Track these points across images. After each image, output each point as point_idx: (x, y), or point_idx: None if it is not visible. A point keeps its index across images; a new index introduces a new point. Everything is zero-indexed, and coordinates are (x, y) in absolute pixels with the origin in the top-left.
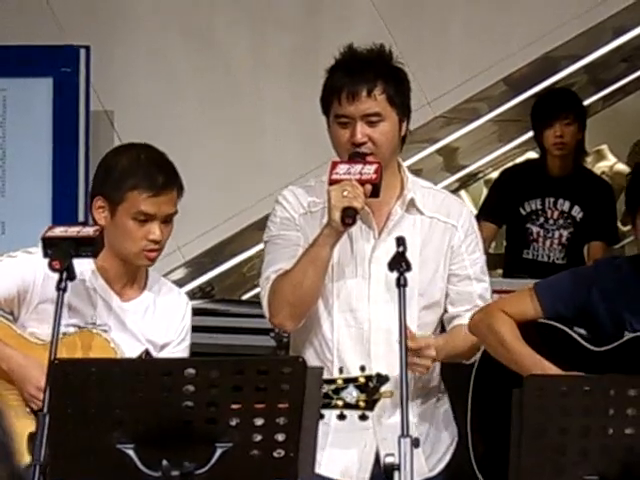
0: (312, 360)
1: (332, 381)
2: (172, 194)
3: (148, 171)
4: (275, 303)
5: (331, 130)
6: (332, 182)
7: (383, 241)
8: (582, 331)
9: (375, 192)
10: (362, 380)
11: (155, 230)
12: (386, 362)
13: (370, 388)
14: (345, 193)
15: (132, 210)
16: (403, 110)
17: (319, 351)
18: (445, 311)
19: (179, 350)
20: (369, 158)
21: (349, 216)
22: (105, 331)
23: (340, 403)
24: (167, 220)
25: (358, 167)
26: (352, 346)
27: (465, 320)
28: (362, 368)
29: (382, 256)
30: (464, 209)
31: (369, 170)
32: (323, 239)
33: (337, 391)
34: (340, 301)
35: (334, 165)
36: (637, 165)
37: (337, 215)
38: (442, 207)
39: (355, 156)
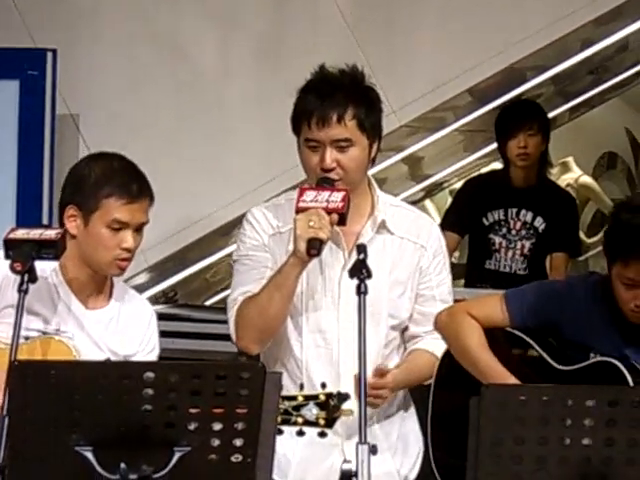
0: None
1: (293, 398)
2: (145, 202)
3: (123, 179)
4: (241, 327)
5: (301, 152)
6: (299, 210)
7: (352, 261)
8: (550, 340)
9: (342, 221)
10: (323, 398)
11: (128, 238)
12: (355, 383)
13: (331, 406)
14: (311, 223)
15: (106, 218)
16: (374, 133)
17: (289, 370)
18: (406, 329)
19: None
20: (337, 184)
21: (314, 247)
22: (69, 338)
23: (300, 420)
24: (139, 229)
25: (325, 194)
26: (321, 366)
27: (424, 344)
28: (323, 385)
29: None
30: (434, 229)
31: (336, 198)
32: (289, 268)
33: (297, 408)
34: (309, 322)
35: (302, 192)
36: (617, 211)
37: (302, 246)
38: (412, 227)
39: (324, 182)
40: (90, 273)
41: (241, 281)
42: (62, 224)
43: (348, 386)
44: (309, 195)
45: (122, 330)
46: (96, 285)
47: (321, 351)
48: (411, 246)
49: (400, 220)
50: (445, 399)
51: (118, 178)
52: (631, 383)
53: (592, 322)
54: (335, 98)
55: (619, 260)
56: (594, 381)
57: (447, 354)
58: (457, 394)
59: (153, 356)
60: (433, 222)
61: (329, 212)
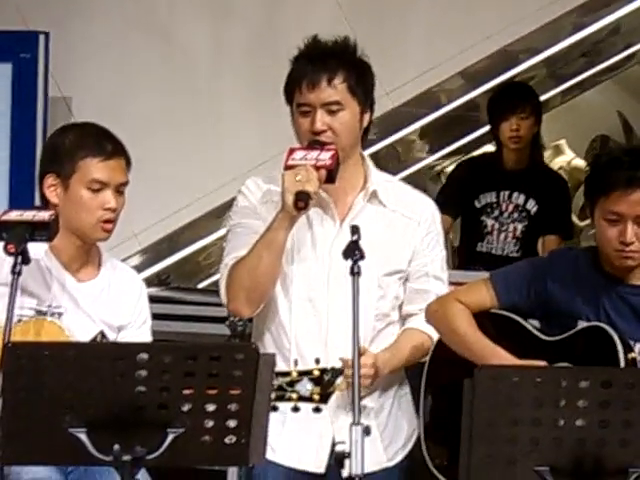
0: (270, 347)
1: (287, 374)
2: (121, 161)
3: (96, 140)
4: (231, 288)
5: (294, 119)
6: (287, 167)
7: (344, 231)
8: (535, 323)
9: (330, 178)
10: (317, 373)
11: (110, 198)
12: (343, 351)
13: (325, 381)
14: (298, 177)
15: (85, 179)
16: (365, 101)
17: (276, 339)
18: (401, 308)
19: (142, 332)
20: (327, 146)
21: (301, 200)
22: (60, 314)
23: (294, 396)
24: (119, 190)
25: (314, 153)
26: (310, 334)
27: (418, 323)
28: (317, 361)
29: (342, 246)
30: (429, 204)
31: (325, 156)
32: (277, 223)
33: (292, 384)
34: (300, 290)
35: (291, 151)
36: (595, 157)
37: (290, 199)
38: (406, 202)
39: (314, 144)
40: (77, 243)
41: (233, 247)
42: (43, 196)
43: (336, 355)
44: (298, 154)
45: (114, 300)
46: (85, 255)
47: (310, 319)
48: (404, 221)
49: (394, 194)
50: (438, 388)
51: (92, 139)
52: (619, 345)
53: (576, 288)
54: (326, 63)
55: (601, 196)
56: (583, 348)
57: (438, 344)
58: (450, 381)
59: (146, 328)
60: (427, 196)
61: (318, 169)
